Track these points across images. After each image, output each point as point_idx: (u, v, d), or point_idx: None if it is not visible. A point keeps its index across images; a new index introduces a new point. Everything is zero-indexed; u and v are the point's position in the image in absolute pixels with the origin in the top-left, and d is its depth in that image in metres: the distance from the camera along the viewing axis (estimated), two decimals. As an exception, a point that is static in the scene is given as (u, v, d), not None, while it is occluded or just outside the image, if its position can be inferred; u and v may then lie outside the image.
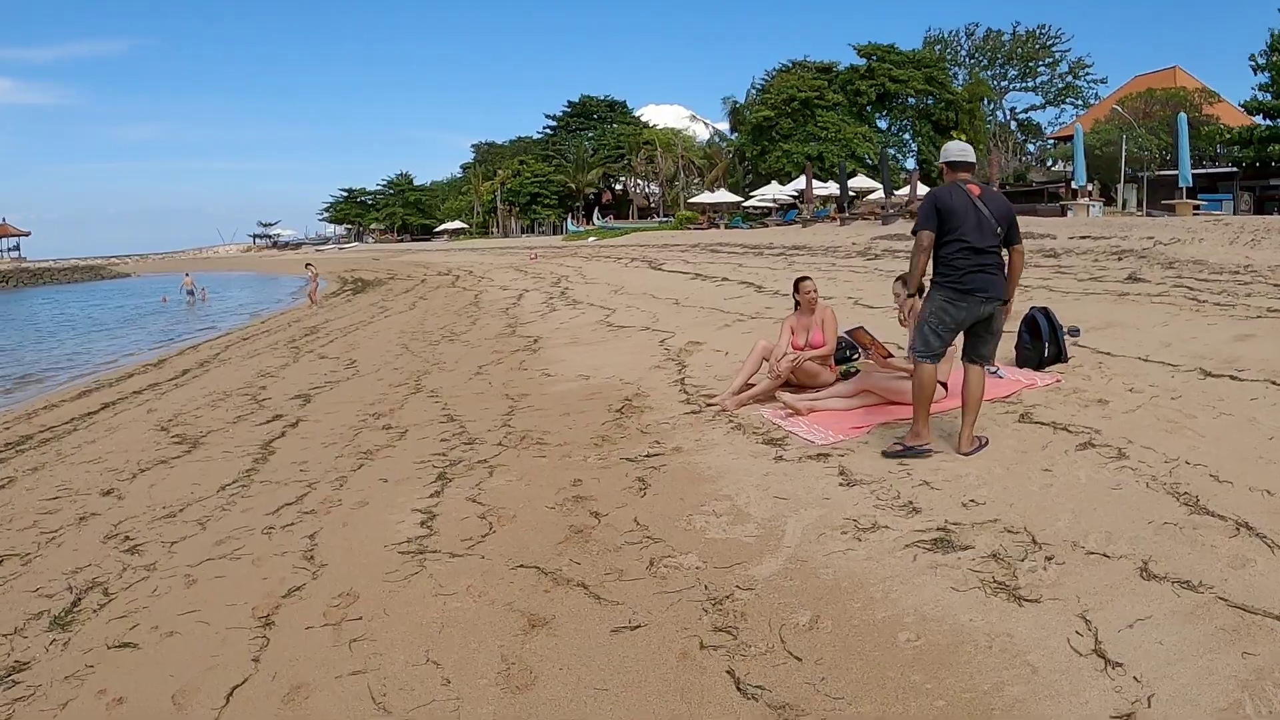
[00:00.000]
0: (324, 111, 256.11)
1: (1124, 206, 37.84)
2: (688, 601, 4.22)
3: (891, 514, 5.08)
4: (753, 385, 8.17)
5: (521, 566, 4.81)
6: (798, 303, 8.40)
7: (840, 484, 5.66)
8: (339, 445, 8.22)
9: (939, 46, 77.07)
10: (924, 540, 4.69)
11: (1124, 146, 39.09)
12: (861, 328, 7.55)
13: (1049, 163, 75.16)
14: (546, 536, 5.21)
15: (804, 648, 3.75)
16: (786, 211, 53.28)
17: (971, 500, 5.18)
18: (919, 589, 4.19)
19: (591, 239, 61.62)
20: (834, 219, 41.62)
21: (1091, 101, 74.80)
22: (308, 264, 36.64)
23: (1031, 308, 8.79)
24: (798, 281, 8.44)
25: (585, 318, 16.92)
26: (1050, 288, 13.65)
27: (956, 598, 4.08)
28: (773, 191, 56.56)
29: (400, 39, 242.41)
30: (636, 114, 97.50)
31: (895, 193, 42.14)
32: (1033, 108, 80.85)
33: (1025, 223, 25.38)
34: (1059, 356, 8.58)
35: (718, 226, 55.35)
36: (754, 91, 71.74)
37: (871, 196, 48.80)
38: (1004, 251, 6.23)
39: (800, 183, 52.93)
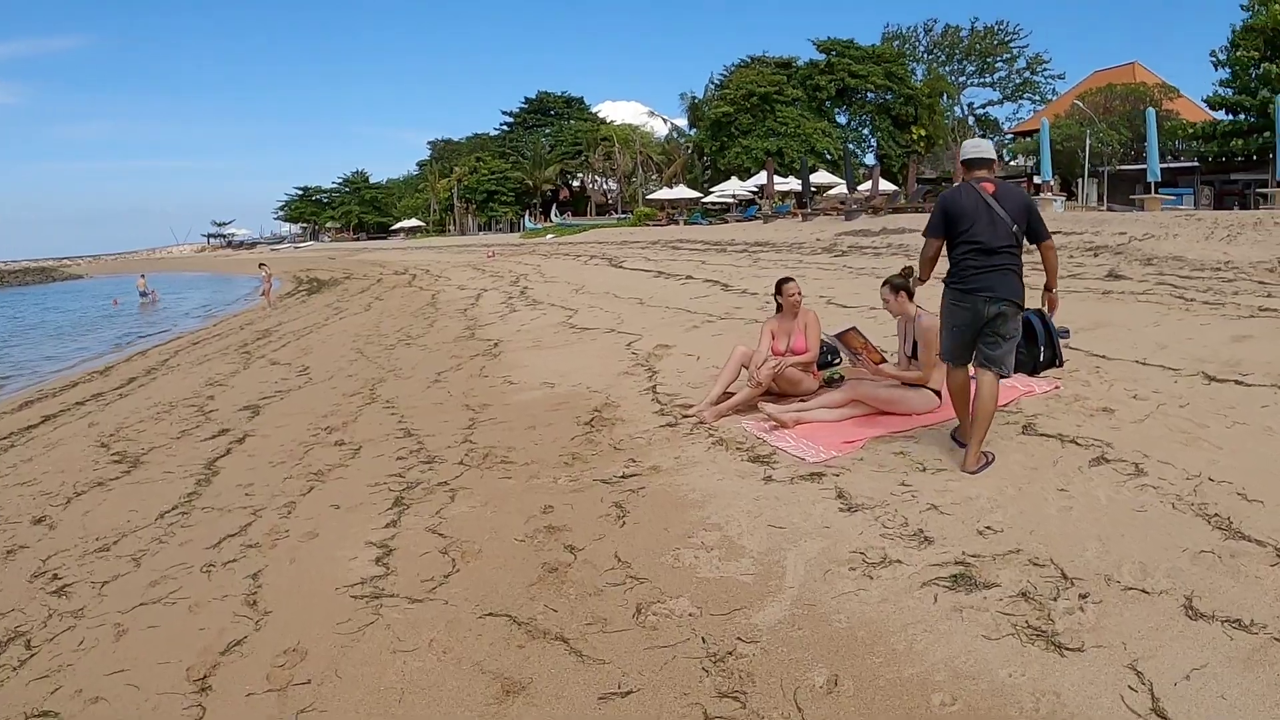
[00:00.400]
0: (278, 109, 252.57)
1: (1085, 202, 37.80)
2: (684, 658, 3.68)
3: (902, 545, 4.58)
4: (732, 394, 7.66)
5: (490, 615, 4.24)
6: (779, 305, 7.91)
7: (840, 509, 5.14)
8: (288, 464, 7.61)
9: (897, 42, 76.95)
10: (942, 577, 4.19)
11: (1087, 142, 39.09)
12: (853, 329, 7.04)
13: (1007, 158, 75.64)
14: (517, 576, 4.65)
15: (825, 716, 3.23)
16: (747, 207, 52.89)
17: (987, 527, 4.69)
18: (947, 638, 3.69)
19: (550, 236, 60.93)
20: (795, 214, 41.22)
21: (1049, 97, 75.27)
22: (261, 264, 35.70)
23: (1025, 310, 8.35)
24: (780, 283, 7.93)
25: (547, 319, 16.33)
26: (1030, 285, 13.22)
27: (990, 648, 3.58)
28: (732, 187, 56.18)
29: (354, 34, 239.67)
30: (594, 110, 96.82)
31: (858, 188, 41.92)
32: (990, 103, 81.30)
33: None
34: (1054, 361, 8.12)
35: (677, 223, 54.79)
36: (712, 87, 71.22)
37: (832, 192, 48.56)
38: (1015, 251, 5.95)
39: (760, 178, 52.61)
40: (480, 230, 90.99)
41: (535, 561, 4.79)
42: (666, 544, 4.85)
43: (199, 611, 4.71)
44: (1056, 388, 7.45)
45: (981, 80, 79.27)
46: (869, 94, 64.77)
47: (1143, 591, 3.94)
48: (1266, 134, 33.74)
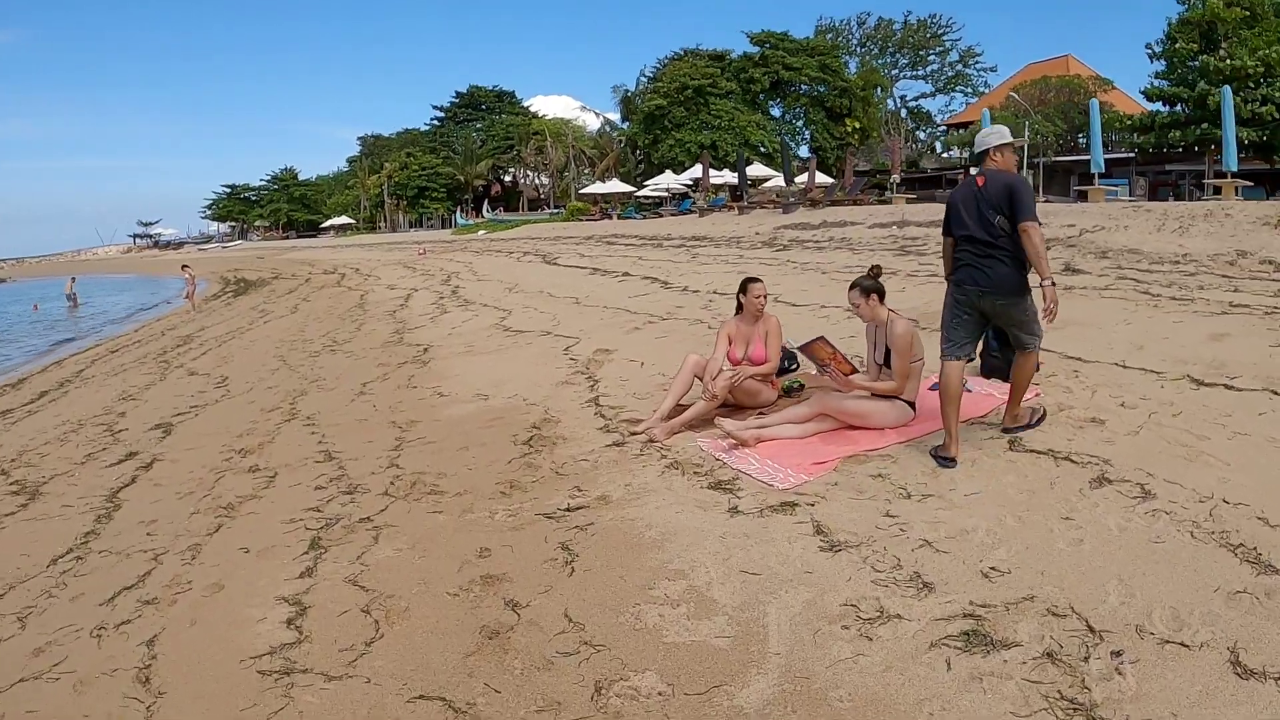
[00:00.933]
0: (204, 106, 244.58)
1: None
2: (658, 759, 3.01)
3: (899, 593, 3.95)
4: (684, 407, 7.00)
5: (421, 698, 3.53)
6: (741, 306, 7.26)
7: (821, 547, 4.50)
8: (196, 495, 6.82)
9: (831, 35, 76.98)
10: (952, 635, 3.57)
11: (1026, 134, 39.12)
12: (822, 339, 6.40)
13: (939, 150, 76.12)
14: (451, 643, 3.93)
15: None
16: (681, 201, 52.35)
17: (993, 568, 4.09)
18: (969, 717, 3.07)
19: (482, 232, 59.90)
20: (731, 208, 40.72)
21: (981, 89, 75.87)
22: (184, 265, 34.33)
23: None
24: (746, 282, 7.27)
25: (479, 320, 15.56)
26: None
27: (1025, 734, 2.98)
28: (666, 181, 55.56)
29: (281, 28, 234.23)
30: (526, 105, 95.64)
31: (796, 180, 41.52)
32: (923, 95, 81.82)
33: (934, 211, 24.79)
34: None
35: (610, 217, 54.11)
36: (645, 80, 70.54)
37: (768, 185, 48.17)
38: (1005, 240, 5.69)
39: (696, 171, 52.06)
40: (411, 227, 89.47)
41: (472, 624, 4.07)
42: (624, 597, 4.17)
43: (84, 691, 3.98)
44: (1037, 395, 6.91)
45: (914, 73, 79.71)
46: (803, 86, 64.51)
47: (1182, 645, 3.38)
48: (1205, 125, 34.05)
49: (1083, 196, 26.15)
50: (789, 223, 27.56)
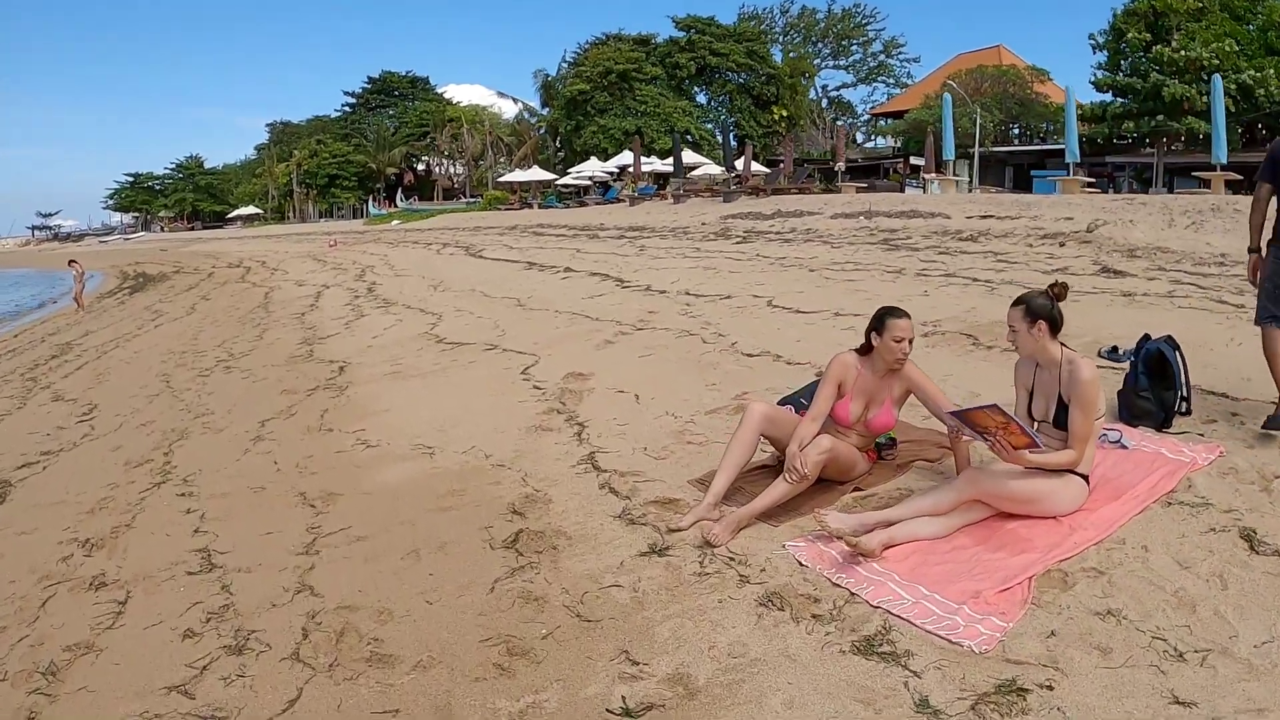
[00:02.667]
0: (104, 92, 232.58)
1: (971, 184, 36.36)
2: None
3: None
4: (748, 488, 4.78)
5: None
6: (869, 346, 4.93)
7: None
8: (3, 645, 4.36)
9: (753, 23, 75.00)
10: None
11: (977, 124, 37.70)
12: (994, 406, 4.12)
13: (861, 140, 74.85)
14: None
15: None
16: (607, 189, 50.02)
17: None
18: None
19: (395, 223, 57.08)
20: (663, 196, 38.61)
21: (905, 80, 74.89)
22: (71, 261, 30.82)
23: (1149, 337, 5.72)
24: (885, 316, 4.80)
25: (404, 327, 13.08)
26: (1012, 282, 10.81)
27: None
28: (591, 168, 53.10)
29: (184, 10, 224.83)
30: (439, 92, 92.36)
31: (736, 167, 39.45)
32: (844, 85, 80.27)
33: (896, 201, 22.95)
34: (1185, 408, 5.55)
35: (530, 206, 51.70)
36: (566, 65, 67.62)
37: (696, 173, 46.02)
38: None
39: (623, 158, 49.81)
40: (321, 217, 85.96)
41: None
42: None
43: None
44: (1220, 453, 4.83)
45: (836, 63, 78.14)
46: (730, 73, 62.51)
47: None
48: (1160, 117, 33.01)
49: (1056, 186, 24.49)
50: (734, 212, 25.49)
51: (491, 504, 5.22)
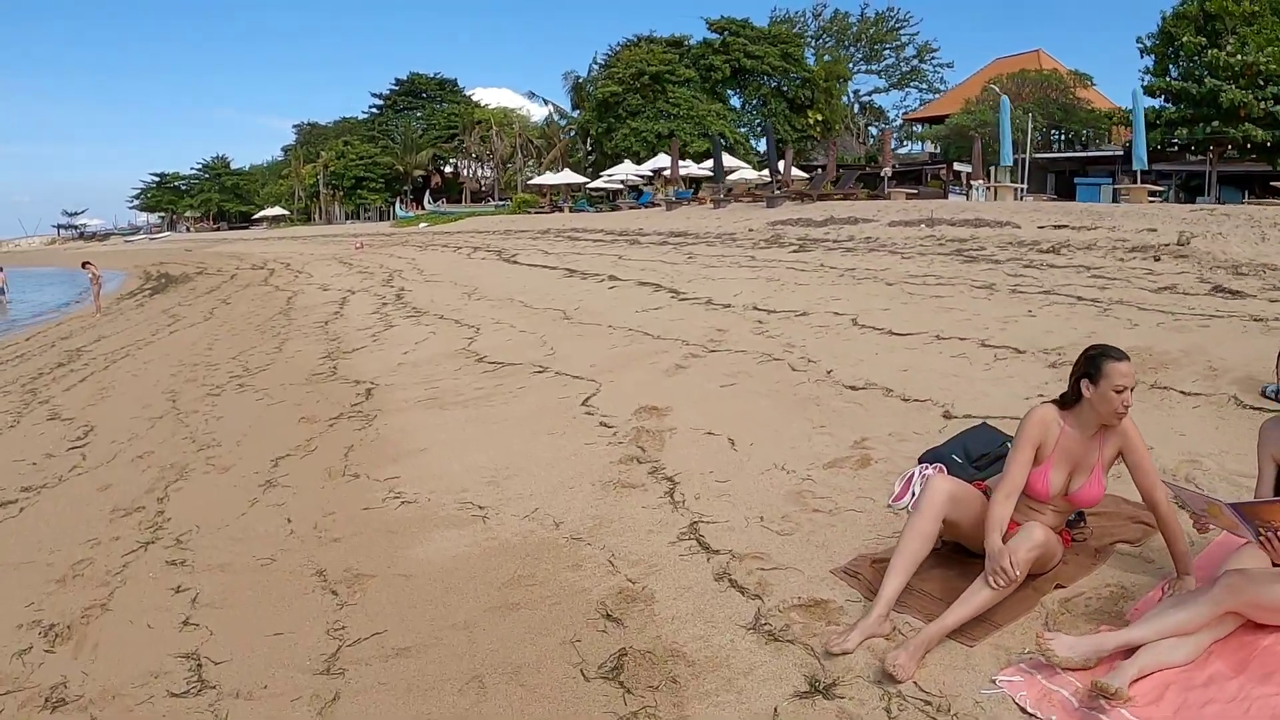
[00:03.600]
0: (135, 93, 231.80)
1: (1020, 192, 34.93)
2: None
3: None
4: (920, 586, 3.48)
5: None
6: (1078, 395, 3.59)
7: None
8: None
9: (785, 26, 73.51)
10: None
11: (1029, 129, 36.21)
12: None
13: (893, 146, 72.82)
14: None
15: None
16: (640, 194, 48.77)
17: None
18: None
19: (423, 225, 56.12)
20: (701, 201, 37.29)
21: (938, 85, 73.30)
22: (86, 263, 29.79)
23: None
24: (1100, 358, 3.47)
25: (438, 341, 11.84)
26: (1122, 301, 9.41)
27: None
28: (625, 171, 51.80)
29: (216, 14, 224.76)
30: (467, 95, 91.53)
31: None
32: (876, 90, 78.41)
33: (951, 208, 21.57)
34: None
35: (561, 210, 50.55)
36: (598, 67, 66.18)
37: (732, 177, 44.66)
38: None
39: (657, 161, 48.52)
40: (348, 219, 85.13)
41: None
42: None
43: None
44: None
45: (868, 68, 76.41)
46: (764, 76, 61.08)
47: None
48: (1215, 123, 31.43)
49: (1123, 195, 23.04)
50: (782, 218, 24.10)
51: (574, 600, 3.90)
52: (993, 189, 28.18)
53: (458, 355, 10.49)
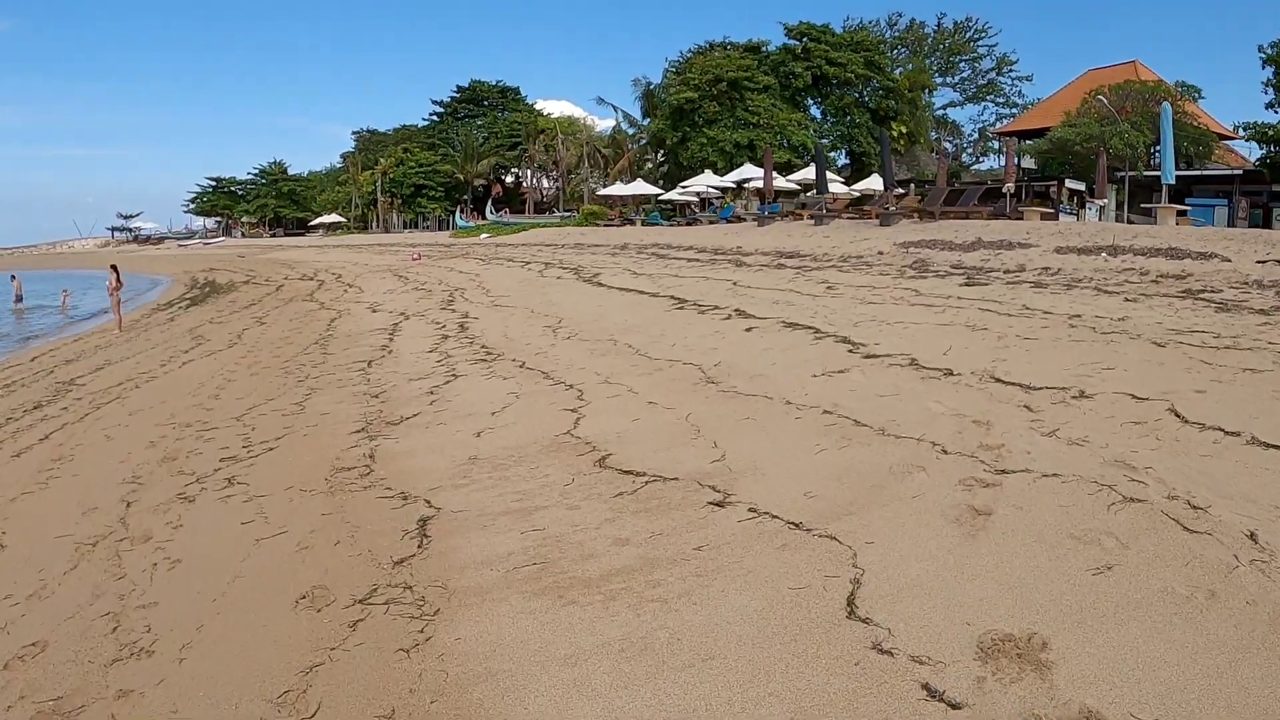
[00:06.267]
0: (194, 99, 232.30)
1: (1124, 211, 31.33)
2: None
3: None
4: None
5: None
6: None
7: None
8: None
9: (864, 33, 69.34)
10: None
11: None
12: None
13: (968, 162, 68.48)
14: None
15: None
16: (722, 207, 45.14)
17: None
18: None
19: (484, 235, 53.15)
20: (797, 216, 33.58)
21: (1015, 99, 68.92)
22: (112, 265, 26.89)
23: None
24: None
25: (526, 414, 8.25)
26: None
27: None
28: (704, 182, 48.13)
29: (274, 19, 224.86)
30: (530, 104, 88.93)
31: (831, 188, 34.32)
32: (951, 104, 73.87)
33: (1126, 233, 17.72)
34: None
35: (632, 222, 47.11)
36: (670, 73, 62.38)
37: (811, 192, 40.87)
38: None
39: (742, 172, 44.86)
40: (406, 228, 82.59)
41: None
42: None
43: None
44: None
45: (943, 80, 71.90)
46: (847, 85, 57.09)
47: None
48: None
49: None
50: (911, 239, 20.36)
51: None
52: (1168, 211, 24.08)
53: (563, 449, 6.89)
